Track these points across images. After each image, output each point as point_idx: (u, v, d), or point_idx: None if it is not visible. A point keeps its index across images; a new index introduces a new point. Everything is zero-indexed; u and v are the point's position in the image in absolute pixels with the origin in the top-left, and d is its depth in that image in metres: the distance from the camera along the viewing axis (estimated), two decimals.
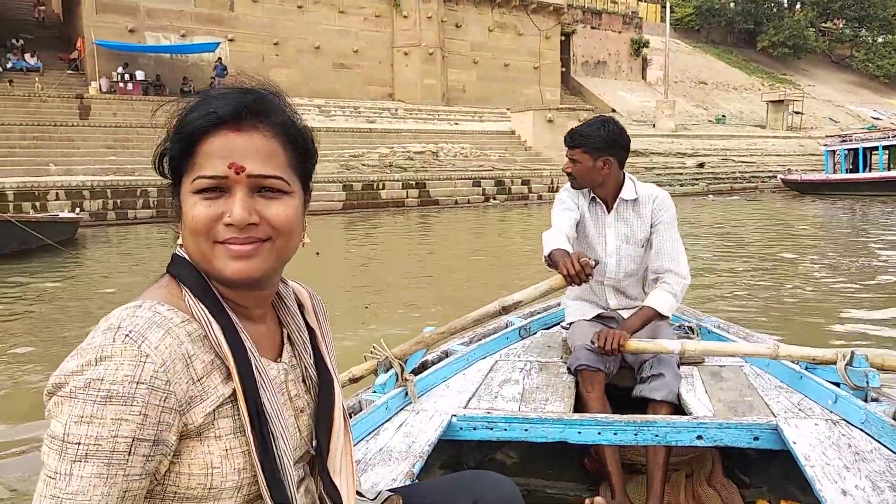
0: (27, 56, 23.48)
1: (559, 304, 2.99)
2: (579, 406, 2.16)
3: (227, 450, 0.82)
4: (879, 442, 1.69)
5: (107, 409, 0.73)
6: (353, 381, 2.08)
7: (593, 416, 1.89)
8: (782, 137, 34.64)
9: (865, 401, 1.85)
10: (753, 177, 27.75)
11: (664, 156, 27.83)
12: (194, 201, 0.82)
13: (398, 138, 23.18)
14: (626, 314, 2.49)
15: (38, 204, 14.56)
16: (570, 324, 2.57)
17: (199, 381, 0.80)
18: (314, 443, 0.97)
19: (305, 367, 0.98)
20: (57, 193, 15.05)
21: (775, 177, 27.01)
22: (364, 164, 20.62)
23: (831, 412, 1.90)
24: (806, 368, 2.14)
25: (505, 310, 2.14)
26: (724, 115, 38.19)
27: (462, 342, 2.59)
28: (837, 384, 1.96)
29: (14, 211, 13.63)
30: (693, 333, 2.72)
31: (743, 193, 25.14)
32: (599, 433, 1.84)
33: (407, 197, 19.70)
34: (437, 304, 6.87)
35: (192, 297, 0.84)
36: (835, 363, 1.95)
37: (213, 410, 0.81)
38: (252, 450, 0.82)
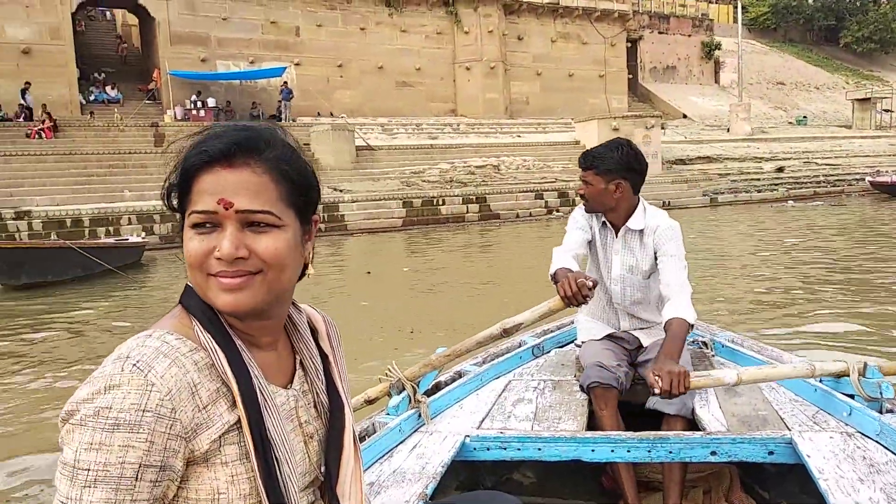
0: (108, 88, 24.87)
1: (573, 322, 2.97)
2: (593, 424, 2.16)
3: (233, 476, 0.84)
4: (894, 454, 1.67)
5: (115, 437, 0.75)
6: (369, 402, 2.09)
7: (606, 434, 1.89)
8: (870, 137, 32.54)
9: (880, 412, 1.83)
10: (839, 180, 26.06)
11: (740, 161, 26.60)
12: (190, 236, 0.85)
13: (459, 153, 23.10)
14: (638, 334, 2.48)
15: (111, 229, 15.22)
16: (583, 342, 2.54)
17: (204, 408, 0.82)
18: (322, 469, 0.98)
19: (317, 392, 1.00)
20: (129, 218, 15.68)
21: (863, 179, 25.31)
22: (424, 181, 20.62)
23: (846, 424, 1.88)
24: (821, 381, 2.10)
25: (506, 332, 2.07)
26: (805, 117, 36.33)
27: (475, 362, 2.58)
28: (852, 396, 1.93)
29: (89, 236, 14.34)
30: (707, 348, 2.69)
31: (826, 198, 23.62)
32: (613, 450, 1.83)
33: (467, 212, 19.53)
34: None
35: (199, 326, 0.87)
36: (848, 375, 1.92)
37: (219, 437, 0.83)
38: (256, 475, 0.84)
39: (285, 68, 25.80)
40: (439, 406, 2.17)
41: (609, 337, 2.50)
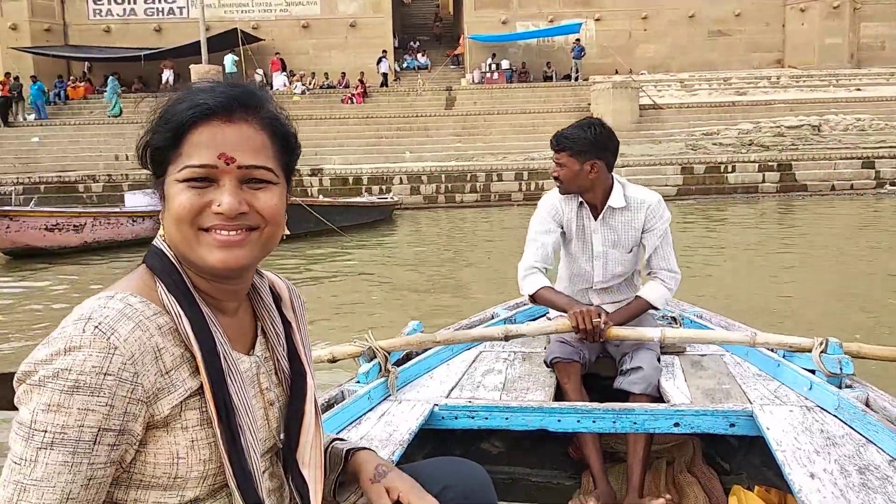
0: (419, 56, 26.75)
1: None
2: (561, 396, 2.18)
3: (192, 441, 0.83)
4: (851, 427, 1.71)
5: (74, 399, 0.74)
6: (332, 361, 2.10)
7: (572, 405, 1.93)
8: None
9: (839, 388, 1.86)
10: None
11: None
12: (180, 188, 0.82)
13: (768, 111, 19.60)
14: (609, 308, 2.42)
15: (383, 187, 16.35)
16: (555, 317, 2.52)
17: (167, 373, 0.81)
18: (281, 435, 0.98)
19: (278, 359, 0.99)
20: (400, 178, 16.66)
21: None
22: (715, 143, 17.93)
23: (806, 399, 1.92)
24: (784, 357, 2.15)
25: (508, 337, 2.27)
26: None
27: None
28: (813, 371, 1.96)
29: (364, 193, 15.58)
30: (676, 323, 2.71)
31: None
32: (579, 421, 1.87)
33: (763, 181, 16.47)
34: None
35: (164, 288, 0.84)
36: (811, 351, 1.96)
37: (181, 402, 0.82)
38: (219, 442, 0.83)
39: (581, 24, 24.75)
40: (409, 375, 2.18)
41: None
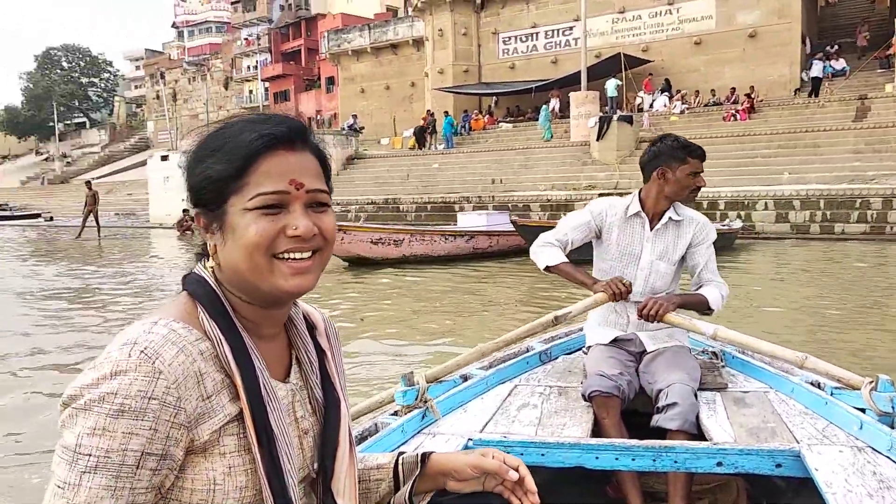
0: (832, 62, 22.80)
1: (581, 329, 2.95)
2: (598, 432, 2.14)
3: (230, 467, 0.84)
4: None
5: (119, 423, 0.75)
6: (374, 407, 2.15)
7: (611, 442, 1.88)
8: None
9: (892, 427, 1.78)
10: None
11: None
12: (253, 217, 0.84)
13: None
14: (643, 336, 2.50)
15: (742, 213, 14.34)
16: (589, 348, 2.57)
17: (208, 398, 0.82)
18: (315, 465, 0.98)
19: (312, 387, 0.99)
20: (766, 203, 14.38)
21: None
22: None
23: (857, 439, 1.83)
24: (832, 394, 2.07)
25: (557, 319, 2.31)
26: None
27: (481, 366, 2.54)
28: (863, 410, 1.87)
29: (719, 219, 13.96)
30: (717, 359, 2.63)
31: None
32: (617, 458, 1.82)
33: None
34: None
35: (205, 314, 0.86)
36: (860, 389, 1.89)
37: (220, 428, 0.83)
38: (259, 468, 0.84)
39: None
40: (443, 409, 2.14)
41: (615, 342, 2.51)
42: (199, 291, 0.88)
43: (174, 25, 62.02)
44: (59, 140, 60.20)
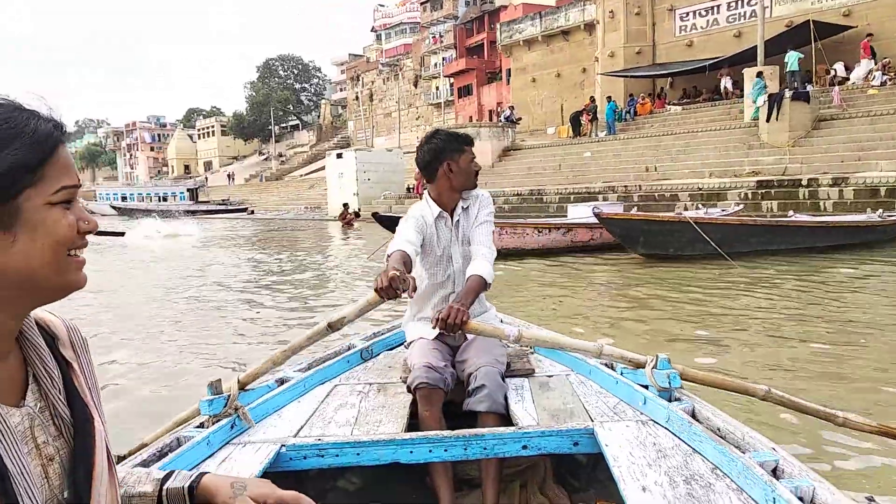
0: None
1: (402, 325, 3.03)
2: (414, 425, 2.19)
3: None
4: (680, 438, 1.77)
5: None
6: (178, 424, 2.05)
7: (423, 435, 1.93)
8: None
9: (669, 401, 1.93)
10: None
11: None
12: (60, 212, 0.78)
13: None
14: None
15: None
16: (411, 342, 2.57)
17: None
18: (65, 494, 0.85)
19: (54, 405, 0.86)
20: None
21: None
22: None
23: (641, 413, 1.98)
24: (622, 374, 2.21)
25: (331, 327, 2.14)
26: None
27: (300, 368, 2.51)
28: (647, 387, 2.03)
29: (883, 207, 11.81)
30: (529, 349, 2.74)
31: None
32: (431, 451, 1.88)
33: None
34: None
35: None
36: (644, 367, 2.03)
37: None
38: None
39: None
40: (256, 416, 2.06)
41: (437, 337, 2.51)
42: None
43: (373, 29, 66.10)
44: (276, 141, 67.53)
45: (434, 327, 2.18)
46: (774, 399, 1.94)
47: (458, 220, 2.54)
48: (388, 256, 2.32)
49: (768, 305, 6.50)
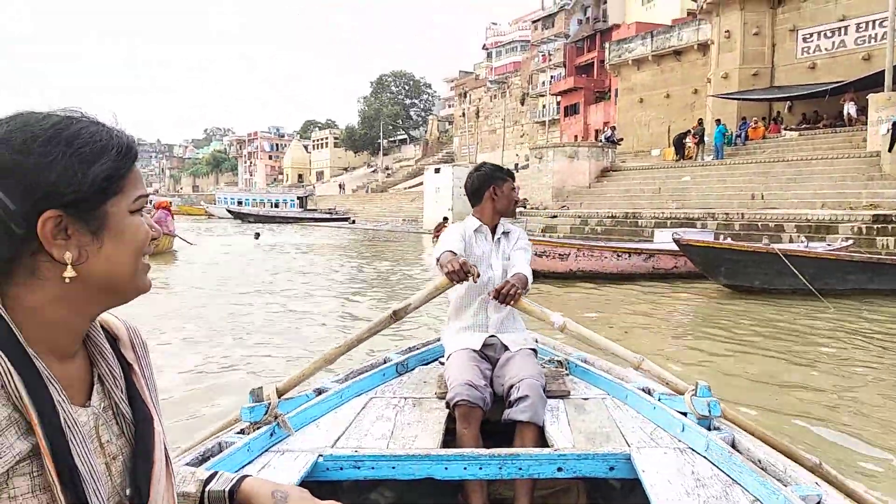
0: None
1: (438, 340, 3.03)
2: (449, 441, 2.21)
3: None
4: (719, 468, 1.76)
5: None
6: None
7: (459, 452, 1.94)
8: None
9: (709, 429, 1.93)
10: None
11: None
12: (138, 219, 0.84)
13: None
14: (504, 338, 2.66)
15: None
16: (449, 356, 2.62)
17: None
18: (127, 491, 0.86)
19: (117, 404, 0.88)
20: None
21: None
22: None
23: (679, 440, 1.98)
24: (660, 400, 2.20)
25: (396, 314, 2.32)
26: None
27: (336, 379, 2.57)
28: (686, 414, 2.02)
29: None
30: (562, 367, 2.77)
31: None
32: (465, 468, 1.89)
33: None
34: None
35: None
36: (684, 394, 2.03)
37: (7, 470, 0.71)
38: None
39: None
40: (294, 425, 2.09)
41: (475, 350, 2.60)
42: None
43: (484, 47, 66.77)
44: (384, 154, 69.50)
45: (493, 298, 2.47)
46: (823, 475, 1.80)
47: (498, 239, 2.80)
48: (438, 259, 2.51)
49: (862, 356, 5.92)
